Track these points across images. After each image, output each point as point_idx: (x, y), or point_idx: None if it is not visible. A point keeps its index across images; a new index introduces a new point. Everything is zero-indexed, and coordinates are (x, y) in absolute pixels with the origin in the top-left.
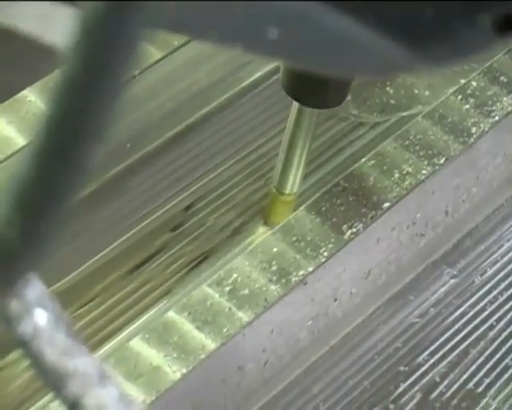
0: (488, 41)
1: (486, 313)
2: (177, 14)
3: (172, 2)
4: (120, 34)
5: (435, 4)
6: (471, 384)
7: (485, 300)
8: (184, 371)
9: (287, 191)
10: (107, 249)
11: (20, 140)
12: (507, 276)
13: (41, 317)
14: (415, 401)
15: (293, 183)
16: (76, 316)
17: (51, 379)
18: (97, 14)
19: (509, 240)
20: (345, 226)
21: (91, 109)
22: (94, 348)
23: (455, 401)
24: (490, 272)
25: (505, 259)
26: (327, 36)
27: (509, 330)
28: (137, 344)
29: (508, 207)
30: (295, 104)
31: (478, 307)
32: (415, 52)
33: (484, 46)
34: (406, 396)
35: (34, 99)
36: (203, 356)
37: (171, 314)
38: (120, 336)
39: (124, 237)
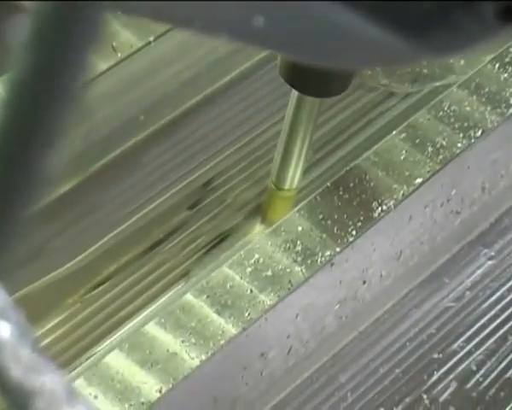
0: (490, 30)
1: None
2: (155, 3)
3: None
4: (72, 34)
5: None
6: (510, 373)
7: None
8: (203, 357)
9: (286, 187)
10: (121, 228)
11: None
12: None
13: (4, 329)
14: (450, 390)
15: (293, 178)
16: (88, 298)
17: (16, 397)
18: (48, 15)
19: None
20: (374, 203)
21: (44, 113)
22: (107, 333)
23: (492, 391)
24: None
25: None
26: (316, 25)
27: None
28: (153, 329)
29: None
30: (294, 92)
31: None
32: (413, 43)
33: (486, 36)
34: (441, 385)
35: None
36: (223, 342)
37: (188, 297)
38: (135, 321)
39: (138, 215)
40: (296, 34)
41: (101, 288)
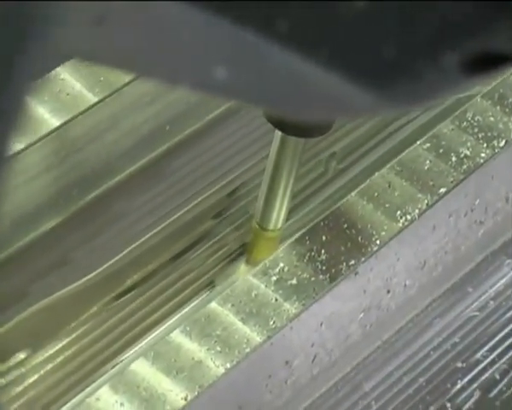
0: (455, 82)
1: None
2: (117, 53)
3: (104, 41)
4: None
5: (395, 43)
6: None
7: None
8: (228, 365)
9: (270, 227)
10: (146, 237)
11: (53, 121)
12: None
13: None
14: (473, 399)
15: (278, 218)
16: (114, 307)
17: None
18: None
19: None
20: (398, 213)
21: None
22: (132, 341)
23: None
24: None
25: None
26: (277, 77)
27: None
28: (178, 337)
29: None
30: (278, 132)
31: None
32: (374, 94)
33: (450, 87)
34: (464, 394)
35: (67, 77)
36: (248, 350)
37: (213, 306)
38: (160, 329)
39: (163, 225)
40: (257, 86)
41: (126, 297)
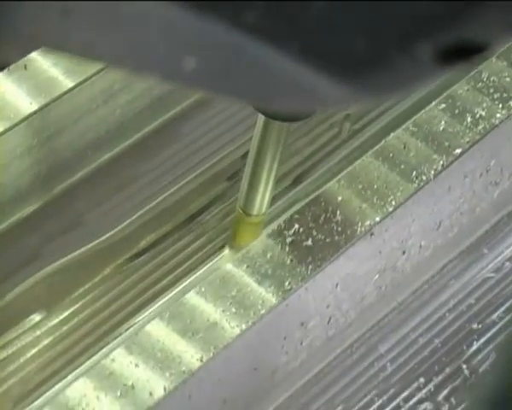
0: (428, 72)
1: None
2: (83, 43)
3: (76, 33)
4: None
5: (366, 33)
6: None
7: None
8: (243, 327)
9: (254, 213)
10: (161, 198)
11: (66, 82)
12: None
13: None
14: (489, 361)
15: (261, 203)
16: (129, 268)
17: None
18: None
19: None
20: (414, 173)
21: None
22: (147, 302)
23: None
24: None
25: None
26: (249, 69)
27: None
28: (193, 298)
29: None
30: (261, 117)
31: None
32: (348, 86)
33: (423, 78)
34: (480, 356)
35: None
36: (263, 311)
37: (228, 267)
38: (175, 291)
39: (178, 186)
40: (227, 77)
41: (140, 258)
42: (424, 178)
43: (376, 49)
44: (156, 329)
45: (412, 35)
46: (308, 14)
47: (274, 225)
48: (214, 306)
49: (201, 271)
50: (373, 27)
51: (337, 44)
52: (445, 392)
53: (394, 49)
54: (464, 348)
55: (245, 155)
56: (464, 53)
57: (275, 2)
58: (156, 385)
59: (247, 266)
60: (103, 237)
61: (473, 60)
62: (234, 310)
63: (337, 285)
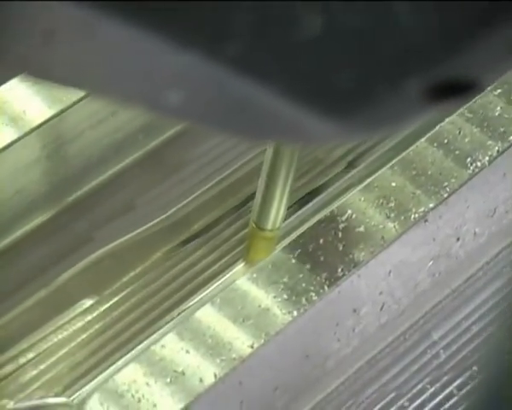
0: (416, 109)
1: None
2: (65, 73)
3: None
4: None
5: (354, 70)
6: None
7: None
8: (295, 313)
9: (268, 227)
10: (212, 184)
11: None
12: None
13: None
14: None
15: (275, 218)
16: (179, 254)
17: None
18: None
19: None
20: (469, 159)
21: None
22: (197, 288)
23: None
24: None
25: None
26: (233, 104)
27: None
28: (245, 284)
29: None
30: None
31: None
32: (335, 123)
33: (411, 114)
34: None
35: None
36: (315, 298)
37: (280, 253)
38: (227, 276)
39: (229, 171)
40: (211, 111)
41: (192, 243)
42: (479, 164)
43: (364, 86)
44: (207, 315)
45: (400, 72)
46: (292, 50)
47: (326, 211)
48: (266, 292)
49: None
50: (361, 64)
51: (324, 80)
52: None
53: (382, 86)
54: None
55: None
56: (453, 90)
57: (257, 37)
58: (206, 372)
59: (300, 252)
60: (155, 221)
61: (462, 97)
62: (285, 296)
63: (390, 272)
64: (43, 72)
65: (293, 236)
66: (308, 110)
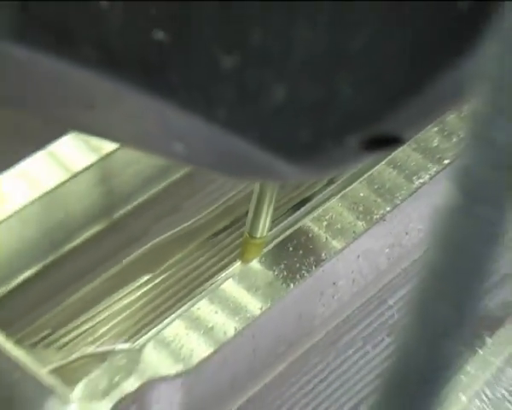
0: (355, 157)
1: None
2: (101, 131)
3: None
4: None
5: (310, 128)
6: None
7: None
8: (292, 286)
9: (258, 236)
10: (219, 204)
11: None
12: None
13: None
14: None
15: (263, 229)
16: (200, 251)
17: None
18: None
19: None
20: (415, 177)
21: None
22: (217, 272)
23: None
24: None
25: None
26: (221, 152)
27: None
28: (256, 265)
29: None
30: None
31: None
32: (296, 167)
33: (352, 161)
34: None
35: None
36: (306, 275)
37: (281, 243)
38: (230, 270)
39: (230, 195)
40: (207, 157)
41: (208, 244)
42: (422, 180)
43: (318, 141)
44: (230, 286)
45: (343, 132)
46: (265, 115)
47: (314, 213)
48: (271, 270)
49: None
50: (315, 126)
51: (289, 137)
52: None
53: (331, 142)
54: None
55: None
56: (382, 143)
57: (240, 104)
58: (229, 327)
59: (295, 243)
60: (194, 219)
61: (389, 148)
62: (285, 273)
63: (359, 256)
64: (85, 129)
65: (290, 231)
66: (278, 158)
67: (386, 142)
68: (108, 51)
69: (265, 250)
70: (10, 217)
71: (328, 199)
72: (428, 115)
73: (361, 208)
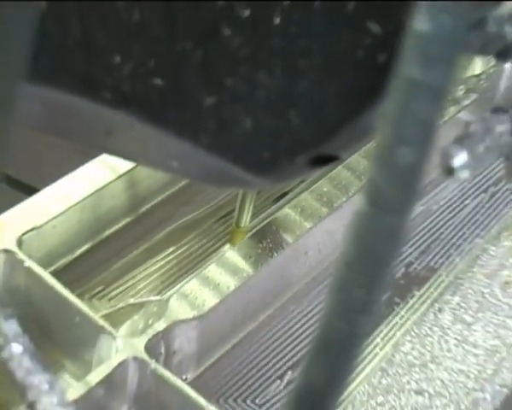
0: (303, 171)
1: None
2: (119, 151)
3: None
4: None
5: (270, 146)
6: None
7: None
8: (275, 254)
9: (242, 226)
10: (215, 202)
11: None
12: None
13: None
14: None
15: (246, 221)
16: (204, 234)
17: (19, 390)
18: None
19: None
20: (363, 176)
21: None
22: (215, 250)
23: None
24: None
25: None
26: (206, 168)
27: None
28: (250, 239)
29: None
30: None
31: None
32: (262, 179)
33: (301, 175)
34: None
35: None
36: (286, 247)
37: (265, 224)
38: (223, 249)
39: (222, 196)
40: (197, 172)
41: (207, 229)
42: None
43: (276, 160)
44: (231, 255)
45: (294, 153)
46: (237, 140)
47: (292, 203)
48: (261, 244)
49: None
50: (275, 149)
51: (255, 156)
52: None
53: (285, 161)
54: None
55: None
56: (324, 161)
57: (220, 134)
58: (230, 284)
59: (281, 223)
60: (199, 211)
61: (330, 164)
62: (270, 245)
63: (323, 234)
64: (107, 151)
65: (274, 216)
66: (248, 173)
67: (327, 160)
68: (121, 94)
69: (256, 229)
70: (71, 207)
71: (300, 193)
72: (360, 140)
73: (325, 199)
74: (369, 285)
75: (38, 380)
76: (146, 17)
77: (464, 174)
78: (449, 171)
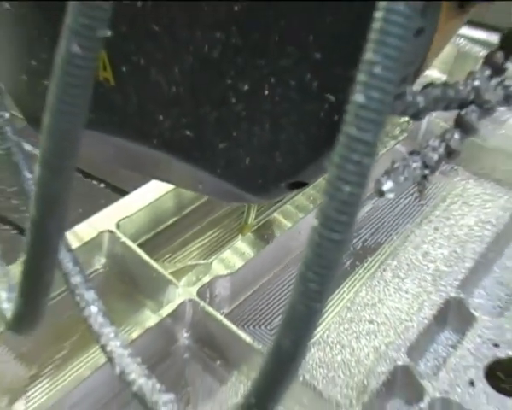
0: (284, 192)
1: None
2: (159, 177)
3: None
4: None
5: (262, 176)
6: None
7: None
8: (278, 235)
9: (249, 223)
10: (229, 205)
11: None
12: None
13: None
14: None
15: (252, 218)
16: (222, 226)
17: (95, 337)
18: None
19: None
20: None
21: None
22: (232, 239)
23: None
24: None
25: None
26: (220, 190)
27: None
28: (255, 232)
29: None
30: None
31: None
32: (256, 196)
33: (280, 195)
34: None
35: None
36: (285, 231)
37: (265, 221)
38: (236, 239)
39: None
40: (213, 192)
41: (225, 225)
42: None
43: (265, 186)
44: (243, 241)
45: (278, 181)
46: (238, 170)
47: (288, 201)
48: (262, 235)
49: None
50: (265, 179)
51: (250, 181)
52: None
53: (272, 185)
54: None
55: None
56: (298, 185)
57: (227, 165)
58: (248, 256)
59: (281, 215)
60: (219, 212)
61: (301, 188)
62: (270, 233)
63: (310, 221)
64: (155, 178)
65: (273, 215)
66: (248, 193)
67: (301, 185)
68: (163, 140)
69: (259, 225)
70: (151, 203)
71: (292, 197)
72: (322, 172)
73: (311, 198)
74: (320, 281)
75: (107, 331)
76: (179, 91)
77: (391, 195)
78: (380, 193)
